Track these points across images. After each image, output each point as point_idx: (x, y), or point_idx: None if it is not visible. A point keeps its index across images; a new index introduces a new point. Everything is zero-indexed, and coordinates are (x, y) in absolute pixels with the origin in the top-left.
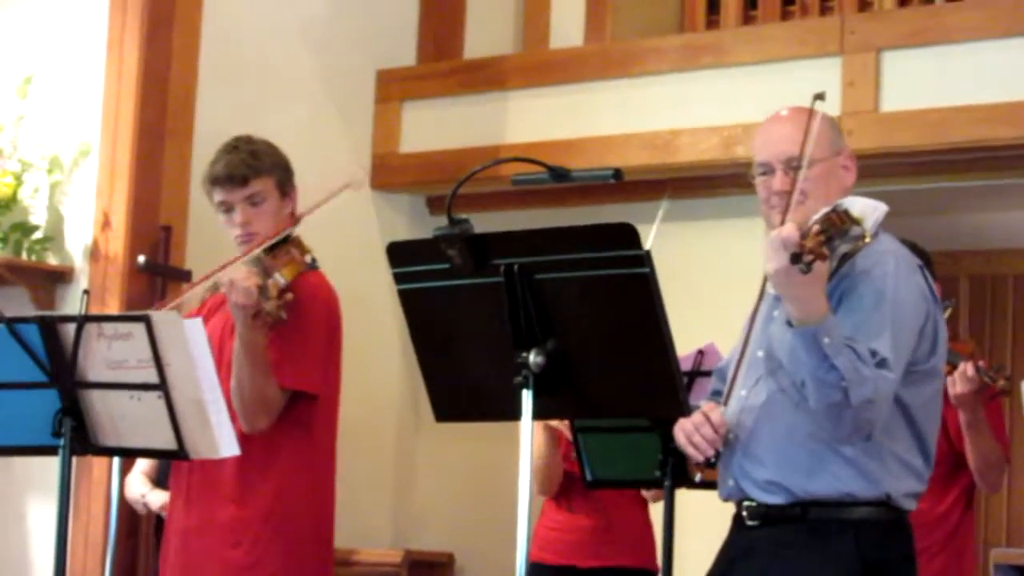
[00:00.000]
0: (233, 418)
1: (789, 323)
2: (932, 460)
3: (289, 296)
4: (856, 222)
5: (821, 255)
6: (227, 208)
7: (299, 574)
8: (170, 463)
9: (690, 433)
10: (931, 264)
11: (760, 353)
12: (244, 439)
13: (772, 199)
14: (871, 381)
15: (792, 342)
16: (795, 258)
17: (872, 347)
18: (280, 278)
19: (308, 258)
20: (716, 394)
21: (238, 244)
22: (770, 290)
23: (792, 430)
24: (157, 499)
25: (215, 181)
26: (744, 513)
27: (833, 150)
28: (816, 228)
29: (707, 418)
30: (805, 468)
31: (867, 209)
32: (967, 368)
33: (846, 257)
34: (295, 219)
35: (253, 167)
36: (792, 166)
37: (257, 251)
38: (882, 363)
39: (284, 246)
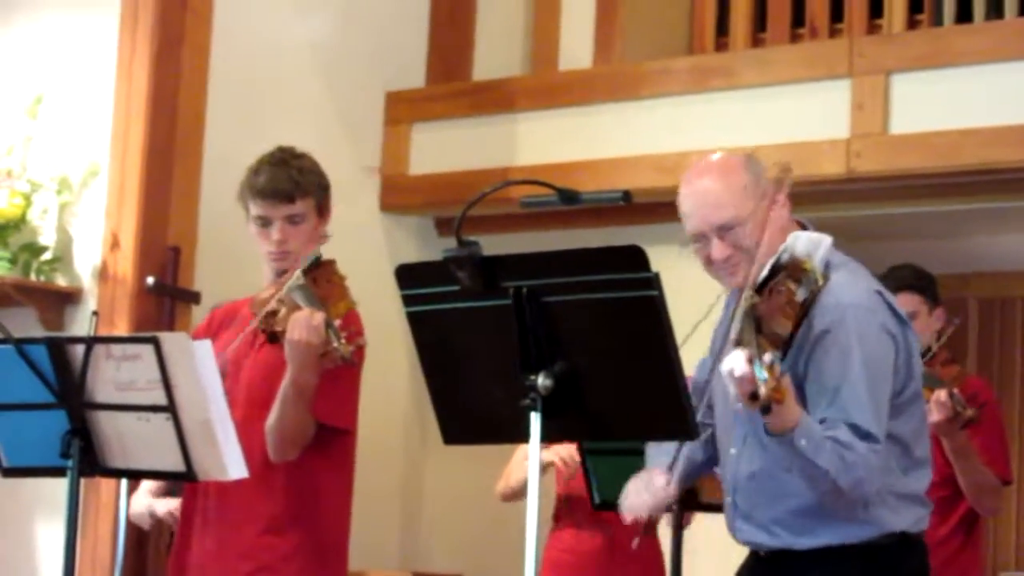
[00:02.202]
0: (252, 445)
1: (766, 431)
2: (930, 476)
3: (362, 341)
4: (805, 270)
5: (779, 399)
6: (264, 223)
7: None
8: (179, 486)
9: (628, 493)
10: (935, 286)
11: (739, 404)
12: (268, 466)
13: (717, 265)
14: (859, 464)
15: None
16: (753, 398)
17: (853, 422)
18: (336, 316)
19: (351, 294)
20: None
21: (269, 260)
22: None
23: (789, 494)
24: (163, 505)
25: (259, 193)
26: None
27: (759, 196)
28: (768, 360)
29: (651, 484)
30: (806, 530)
31: (811, 247)
32: (940, 395)
33: (805, 304)
34: (324, 239)
35: (300, 186)
36: (726, 230)
37: (300, 278)
38: (867, 436)
39: (323, 271)
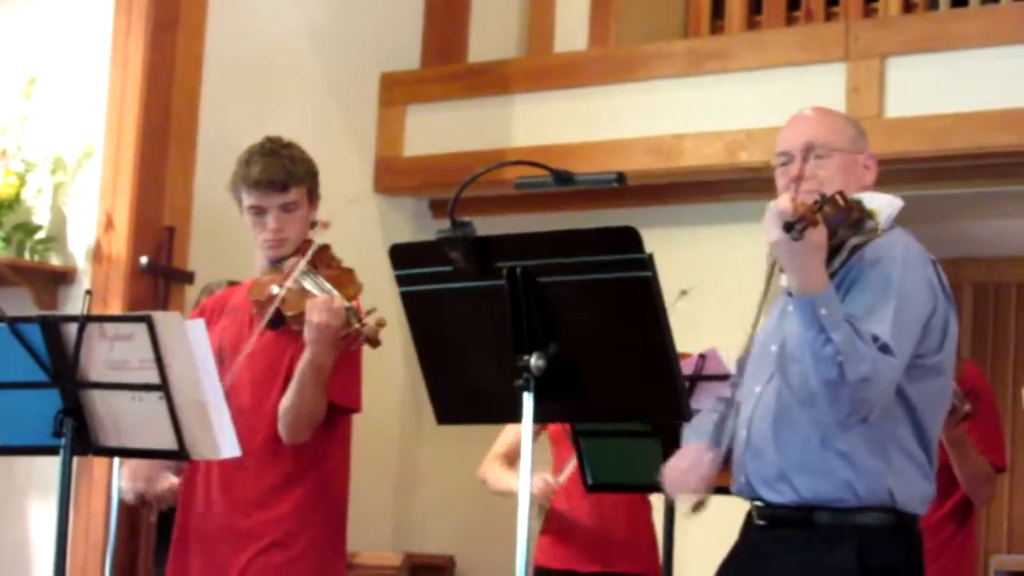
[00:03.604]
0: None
1: (790, 294)
2: (935, 458)
3: (383, 320)
4: (869, 215)
5: (813, 221)
6: (259, 212)
7: (328, 573)
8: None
9: (680, 471)
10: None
11: (774, 348)
12: (278, 446)
13: (790, 187)
14: (869, 360)
15: (794, 318)
16: (787, 227)
17: (874, 332)
18: (349, 300)
19: (356, 277)
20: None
21: (264, 248)
22: (782, 282)
23: (800, 431)
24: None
25: (254, 184)
26: (754, 512)
27: (855, 147)
28: (810, 198)
29: (697, 461)
30: (811, 468)
31: (882, 203)
32: None
33: (857, 249)
34: (312, 226)
35: (293, 175)
36: (812, 153)
37: (304, 266)
38: (884, 348)
39: (323, 257)
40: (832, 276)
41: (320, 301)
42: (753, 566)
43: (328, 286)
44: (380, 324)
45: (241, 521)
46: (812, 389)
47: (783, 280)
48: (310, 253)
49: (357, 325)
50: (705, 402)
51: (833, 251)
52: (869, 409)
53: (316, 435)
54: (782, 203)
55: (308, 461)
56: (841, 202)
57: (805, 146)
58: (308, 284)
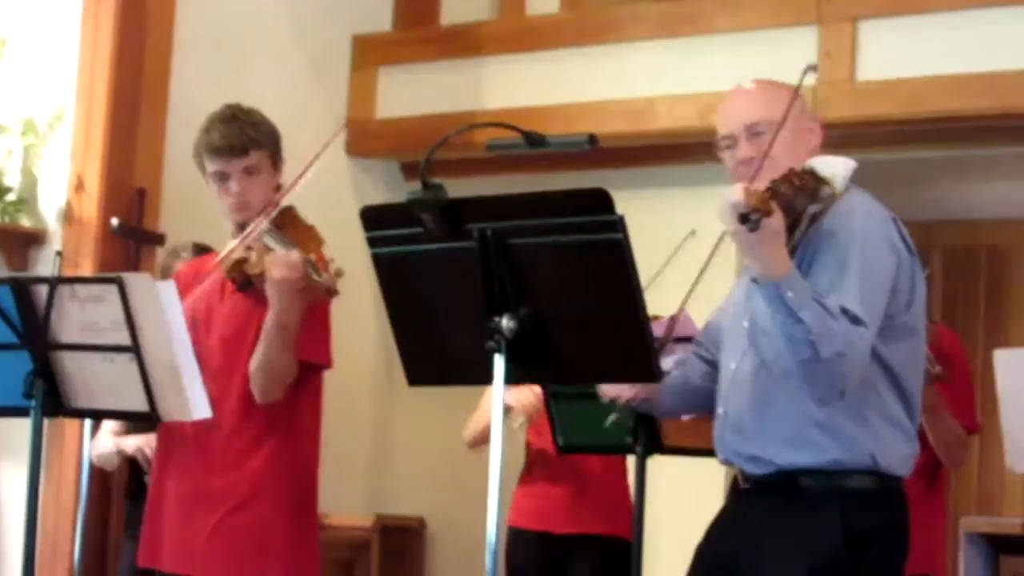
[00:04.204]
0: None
1: (755, 280)
2: (918, 414)
3: (341, 271)
4: (824, 182)
5: (767, 211)
6: (222, 178)
7: (294, 537)
8: (140, 424)
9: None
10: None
11: (745, 323)
12: (250, 407)
13: (739, 169)
14: (841, 335)
15: (760, 299)
16: (742, 218)
17: (842, 303)
18: (314, 256)
19: (320, 234)
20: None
21: (230, 213)
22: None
23: (778, 405)
24: (130, 443)
25: (214, 151)
26: (739, 477)
27: (795, 112)
28: (762, 187)
29: None
30: (788, 440)
31: (835, 167)
32: None
33: (815, 218)
34: (280, 190)
35: (253, 138)
36: (754, 132)
37: (267, 225)
38: (854, 319)
39: (287, 217)
40: (794, 248)
41: (278, 256)
42: (738, 530)
43: (291, 244)
44: (338, 274)
45: (213, 482)
46: (785, 365)
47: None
48: (274, 212)
49: (316, 278)
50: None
51: (793, 223)
52: (846, 383)
53: (287, 393)
54: (735, 194)
55: (280, 420)
56: (795, 181)
57: (748, 126)
58: (271, 243)
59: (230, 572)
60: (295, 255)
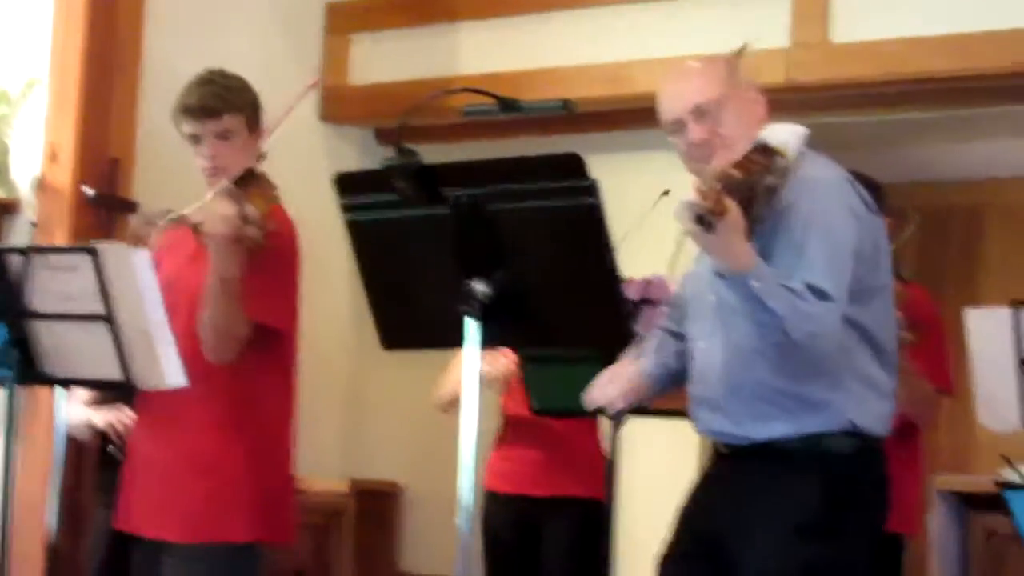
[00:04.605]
0: (192, 351)
1: (719, 274)
2: (895, 373)
3: (271, 225)
4: (777, 153)
5: (720, 211)
6: (196, 140)
7: (261, 499)
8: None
9: (601, 386)
10: (884, 196)
11: (712, 298)
12: (208, 370)
13: (692, 152)
14: (812, 317)
15: (728, 289)
16: (698, 219)
17: (808, 281)
18: (254, 209)
19: (275, 194)
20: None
21: (205, 177)
22: None
23: (748, 380)
24: (100, 417)
25: (187, 111)
26: (719, 444)
27: (737, 87)
28: (716, 185)
29: (619, 373)
30: (763, 416)
31: (786, 136)
32: None
33: (774, 191)
34: (260, 157)
35: (227, 101)
36: (701, 113)
37: (226, 183)
38: (822, 295)
39: (254, 180)
40: (755, 222)
41: (212, 210)
42: (721, 495)
43: (244, 202)
44: (262, 227)
45: (179, 446)
46: (756, 345)
47: None
48: (234, 176)
49: (247, 231)
50: (648, 327)
51: (751, 200)
52: (823, 358)
53: (248, 358)
54: (689, 199)
55: (241, 385)
56: (749, 165)
57: (694, 109)
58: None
59: (198, 536)
60: (229, 208)
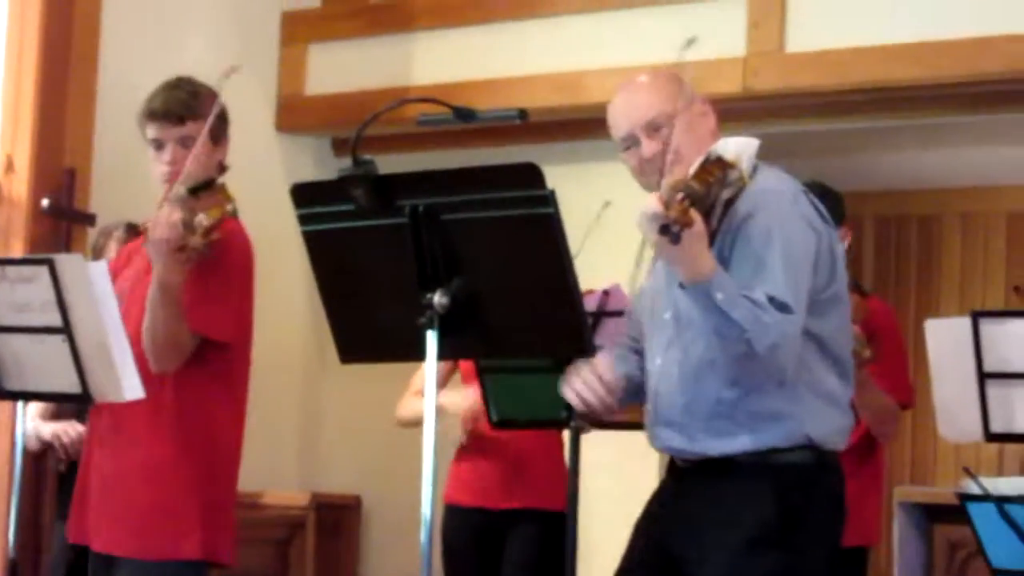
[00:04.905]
0: (140, 360)
1: (681, 285)
2: (852, 383)
3: (216, 235)
4: (732, 166)
5: (687, 222)
6: (158, 145)
7: (208, 515)
8: (66, 408)
9: (580, 391)
10: (842, 204)
11: (667, 315)
12: (155, 381)
13: (644, 167)
14: (774, 327)
15: (689, 303)
16: (663, 230)
17: (768, 292)
18: (204, 218)
19: (231, 206)
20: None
21: (162, 182)
22: None
23: (709, 398)
24: (48, 429)
25: (151, 116)
26: (675, 458)
27: (687, 101)
28: (679, 194)
29: (597, 374)
30: (720, 432)
31: (739, 148)
32: None
33: (729, 203)
34: (222, 168)
35: (191, 108)
36: (654, 128)
37: (181, 189)
38: (782, 307)
39: (210, 191)
40: (712, 235)
41: (159, 216)
42: (676, 508)
43: (195, 210)
44: (206, 235)
45: (125, 459)
46: (714, 358)
47: None
48: (190, 184)
49: (191, 239)
50: (608, 338)
51: (707, 212)
52: (783, 371)
53: (193, 370)
54: (652, 206)
55: (186, 397)
56: (707, 177)
57: (646, 124)
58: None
59: (148, 553)
60: (175, 215)
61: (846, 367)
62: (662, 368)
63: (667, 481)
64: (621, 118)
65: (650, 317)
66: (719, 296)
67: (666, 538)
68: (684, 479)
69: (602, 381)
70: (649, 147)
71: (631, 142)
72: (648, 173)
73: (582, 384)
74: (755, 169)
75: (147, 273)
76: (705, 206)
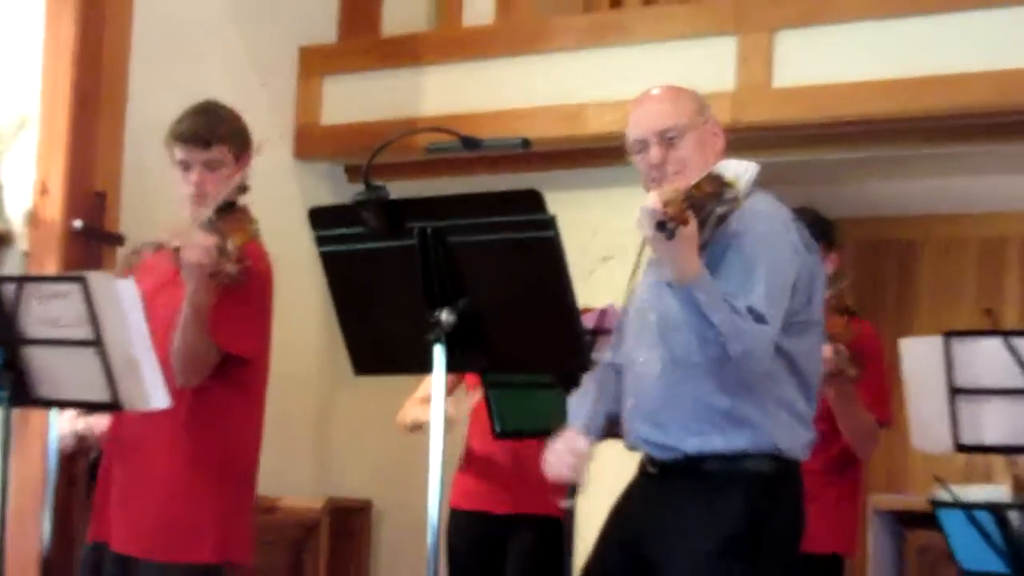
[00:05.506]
0: (164, 366)
1: (669, 284)
2: (815, 403)
3: (247, 262)
4: (730, 185)
5: (683, 220)
6: (185, 167)
7: (226, 520)
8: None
9: (555, 466)
10: (833, 231)
11: (653, 317)
12: (178, 394)
13: (652, 172)
14: (748, 335)
15: (674, 300)
16: (659, 226)
17: (749, 303)
18: (233, 243)
19: (253, 228)
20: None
21: (189, 203)
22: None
23: (687, 397)
24: (81, 423)
25: (179, 138)
26: (646, 463)
27: (702, 119)
28: (679, 195)
29: (570, 448)
30: (696, 430)
31: (739, 170)
32: (825, 350)
33: (722, 219)
34: (244, 189)
35: (217, 133)
36: (666, 137)
37: (208, 215)
38: (759, 318)
39: (234, 213)
40: (703, 246)
41: (193, 239)
42: (645, 510)
43: (223, 233)
44: (240, 261)
45: (145, 467)
46: (695, 360)
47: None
48: (213, 204)
49: (225, 265)
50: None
51: (701, 223)
52: (752, 376)
53: (215, 383)
54: (652, 203)
55: (208, 409)
56: (707, 187)
57: (660, 132)
58: (202, 230)
59: (165, 556)
60: (209, 239)
61: (812, 388)
62: (644, 365)
63: (635, 486)
64: (638, 122)
65: (636, 319)
66: (701, 298)
67: (634, 542)
68: (653, 485)
69: (575, 454)
70: (657, 154)
71: (642, 146)
72: (652, 179)
73: (557, 460)
74: (751, 192)
75: (167, 287)
76: (700, 215)
